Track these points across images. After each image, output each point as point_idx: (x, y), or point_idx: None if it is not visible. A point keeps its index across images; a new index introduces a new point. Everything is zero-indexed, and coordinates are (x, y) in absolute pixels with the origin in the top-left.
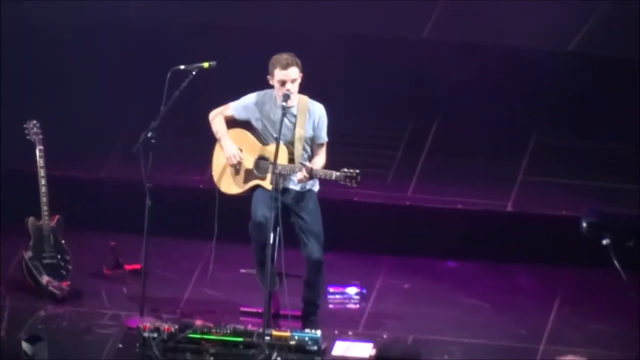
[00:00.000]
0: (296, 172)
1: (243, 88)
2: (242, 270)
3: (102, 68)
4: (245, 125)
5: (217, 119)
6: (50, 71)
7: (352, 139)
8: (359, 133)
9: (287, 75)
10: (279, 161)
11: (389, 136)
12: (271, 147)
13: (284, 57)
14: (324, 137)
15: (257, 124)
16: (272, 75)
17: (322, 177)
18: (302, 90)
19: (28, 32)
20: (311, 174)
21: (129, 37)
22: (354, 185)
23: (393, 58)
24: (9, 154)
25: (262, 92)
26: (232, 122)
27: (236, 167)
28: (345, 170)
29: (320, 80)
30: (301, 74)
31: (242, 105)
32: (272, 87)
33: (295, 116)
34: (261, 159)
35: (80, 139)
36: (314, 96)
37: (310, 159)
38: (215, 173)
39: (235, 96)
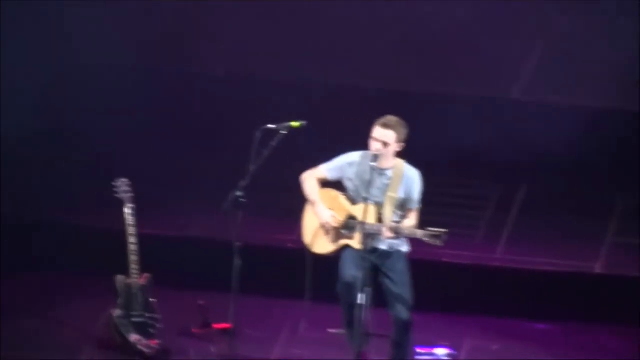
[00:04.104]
0: (382, 231)
1: (331, 147)
2: (331, 331)
3: (187, 127)
4: (336, 184)
5: (309, 181)
6: (132, 130)
7: (441, 199)
8: (448, 193)
9: (381, 135)
10: (367, 221)
11: (478, 196)
12: (360, 207)
13: (389, 118)
14: (416, 203)
15: (348, 184)
16: (372, 129)
17: (408, 235)
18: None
19: (112, 91)
20: (396, 232)
21: (216, 96)
22: (440, 244)
23: (482, 118)
24: (97, 212)
25: (358, 153)
26: (323, 182)
27: (326, 227)
28: (431, 229)
29: (410, 140)
30: (400, 144)
31: (337, 166)
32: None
33: (390, 179)
34: (350, 218)
35: (168, 197)
36: (404, 155)
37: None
38: (306, 234)
39: (324, 154)
